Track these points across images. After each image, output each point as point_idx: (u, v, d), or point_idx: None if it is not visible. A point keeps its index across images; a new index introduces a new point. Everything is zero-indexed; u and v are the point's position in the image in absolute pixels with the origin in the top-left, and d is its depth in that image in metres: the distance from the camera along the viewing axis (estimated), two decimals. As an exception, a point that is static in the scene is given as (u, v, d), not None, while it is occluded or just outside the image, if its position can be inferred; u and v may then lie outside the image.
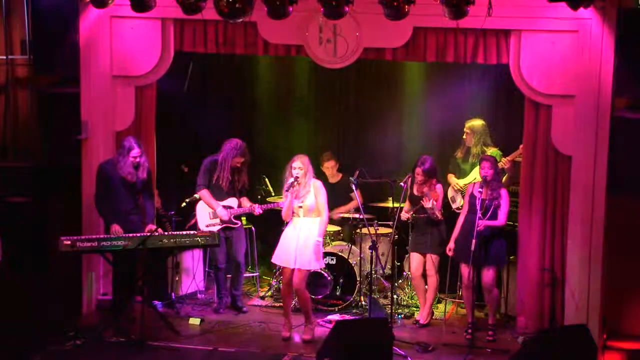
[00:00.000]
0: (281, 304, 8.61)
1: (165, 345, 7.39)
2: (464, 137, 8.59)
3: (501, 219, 7.66)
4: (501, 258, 7.81)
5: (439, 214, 7.94)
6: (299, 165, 7.49)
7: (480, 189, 7.64)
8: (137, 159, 7.72)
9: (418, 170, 7.95)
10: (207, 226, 8.27)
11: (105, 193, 7.79)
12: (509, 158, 8.31)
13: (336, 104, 9.98)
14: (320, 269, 8.10)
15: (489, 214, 7.63)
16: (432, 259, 8.06)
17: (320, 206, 7.55)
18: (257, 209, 8.29)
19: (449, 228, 8.09)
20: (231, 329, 8.00)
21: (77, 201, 8.19)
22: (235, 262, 8.45)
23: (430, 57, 7.91)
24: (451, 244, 7.86)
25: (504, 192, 7.72)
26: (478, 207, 7.50)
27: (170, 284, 8.72)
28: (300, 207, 7.51)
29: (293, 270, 7.55)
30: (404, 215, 8.15)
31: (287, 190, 7.51)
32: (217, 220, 8.32)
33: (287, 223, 7.71)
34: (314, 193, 7.52)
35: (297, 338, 7.71)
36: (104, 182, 7.79)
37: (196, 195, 8.35)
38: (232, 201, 8.34)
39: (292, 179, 7.47)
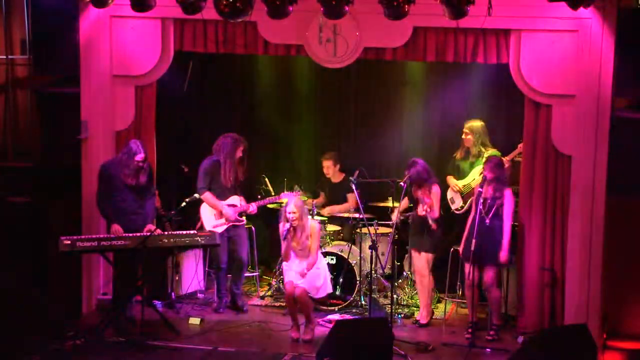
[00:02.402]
0: (281, 303, 8.64)
1: (165, 345, 7.39)
2: (463, 137, 8.58)
3: (506, 220, 7.65)
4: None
5: (432, 224, 7.90)
6: (293, 209, 7.52)
7: (480, 188, 7.63)
8: (141, 164, 7.72)
9: (406, 172, 7.94)
10: (213, 227, 8.27)
11: (106, 193, 7.79)
12: (507, 158, 8.30)
13: (336, 103, 9.98)
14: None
15: (491, 213, 7.62)
16: (426, 258, 8.05)
17: (312, 248, 7.60)
18: (252, 207, 8.32)
19: (448, 228, 8.09)
20: (231, 328, 7.99)
21: (77, 201, 8.19)
22: (237, 261, 8.46)
23: (430, 57, 7.91)
24: (462, 245, 7.85)
25: (507, 192, 7.70)
26: (480, 206, 7.50)
27: (170, 284, 8.72)
28: (302, 250, 7.59)
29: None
30: (394, 218, 8.16)
31: (284, 239, 7.58)
32: (223, 221, 8.33)
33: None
34: (309, 234, 7.57)
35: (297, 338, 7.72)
36: (105, 182, 7.79)
37: (196, 195, 8.34)
38: (235, 199, 8.35)
39: (288, 225, 7.52)
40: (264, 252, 9.70)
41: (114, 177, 7.76)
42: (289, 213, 7.52)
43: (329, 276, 7.86)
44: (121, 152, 7.84)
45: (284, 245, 7.64)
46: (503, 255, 7.62)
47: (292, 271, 7.67)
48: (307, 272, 7.56)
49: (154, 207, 8.12)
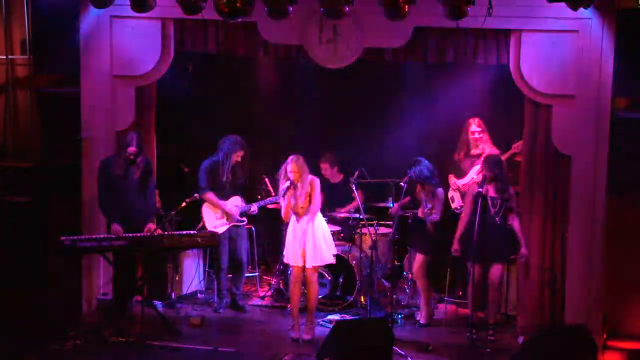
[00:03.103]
0: (281, 303, 8.63)
1: (165, 345, 7.38)
2: (472, 135, 8.52)
3: (515, 217, 7.67)
4: (508, 255, 7.80)
5: (430, 226, 7.90)
6: (293, 168, 7.47)
7: (480, 188, 7.63)
8: (132, 157, 7.74)
9: (408, 171, 7.94)
10: (215, 227, 8.27)
11: (106, 190, 7.81)
12: (502, 158, 8.28)
13: (336, 103, 9.98)
14: (334, 255, 8.05)
15: (502, 213, 7.62)
16: (421, 260, 8.04)
17: (312, 199, 7.51)
18: (253, 207, 8.33)
19: (448, 229, 8.09)
20: (231, 328, 7.99)
21: (77, 201, 8.19)
22: (237, 261, 8.47)
23: (430, 57, 7.91)
24: (456, 245, 7.84)
25: (512, 191, 7.71)
26: (480, 206, 7.50)
27: (170, 284, 8.72)
28: (302, 207, 7.52)
29: (302, 268, 7.59)
30: (394, 210, 8.15)
31: (283, 196, 7.53)
32: (225, 221, 8.33)
33: (287, 223, 7.72)
34: (309, 190, 7.51)
35: (297, 338, 7.71)
36: (105, 177, 7.82)
37: (196, 195, 8.35)
38: (236, 199, 8.36)
39: (287, 183, 7.47)
40: (264, 252, 9.70)
41: (112, 173, 7.80)
42: (290, 172, 7.48)
43: (331, 239, 7.75)
44: (118, 145, 7.89)
45: (282, 202, 7.58)
46: (524, 250, 7.65)
47: (294, 242, 7.58)
48: (313, 235, 7.48)
49: (155, 205, 8.12)
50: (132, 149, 7.72)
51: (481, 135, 8.48)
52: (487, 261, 7.69)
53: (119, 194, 7.82)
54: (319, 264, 7.62)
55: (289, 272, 8.07)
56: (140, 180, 7.87)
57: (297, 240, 7.57)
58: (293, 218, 7.61)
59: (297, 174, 7.46)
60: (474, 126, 8.49)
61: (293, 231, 7.62)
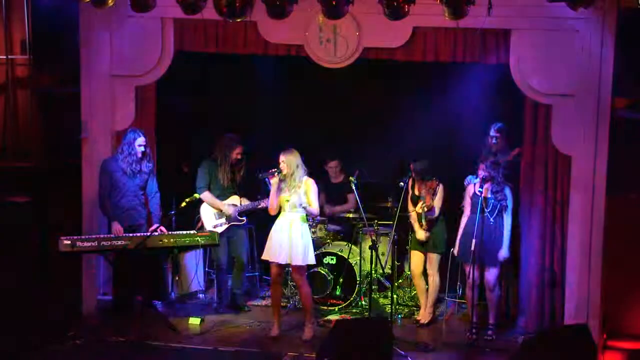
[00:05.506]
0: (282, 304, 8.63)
1: (165, 345, 7.39)
2: (489, 140, 8.41)
3: (507, 218, 7.67)
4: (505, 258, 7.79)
5: (426, 224, 7.89)
6: (283, 158, 7.52)
7: (480, 189, 7.63)
8: (144, 147, 7.76)
9: (411, 166, 7.94)
10: (214, 227, 8.28)
11: (107, 190, 7.82)
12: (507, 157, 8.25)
13: (336, 104, 9.97)
14: (315, 265, 8.04)
15: (495, 213, 7.62)
16: (433, 258, 8.05)
17: (310, 201, 7.52)
18: (263, 203, 8.33)
19: (449, 227, 8.09)
20: (231, 329, 8.00)
21: (77, 201, 8.20)
22: (238, 261, 8.47)
23: (429, 57, 7.91)
24: (457, 245, 7.85)
25: (508, 191, 7.71)
26: (479, 206, 7.51)
27: (170, 284, 8.72)
28: (287, 201, 7.52)
29: (280, 266, 7.59)
30: (412, 216, 8.14)
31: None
32: (223, 220, 8.34)
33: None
34: (305, 189, 7.51)
35: (297, 337, 7.71)
36: (106, 178, 7.83)
37: (196, 195, 8.36)
38: (235, 199, 8.37)
39: (273, 170, 7.49)
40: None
41: (114, 172, 7.81)
42: (279, 161, 7.54)
43: (311, 245, 7.67)
44: (120, 145, 7.89)
45: (271, 195, 7.59)
46: (501, 253, 7.63)
47: (278, 238, 7.55)
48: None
49: (159, 205, 8.12)
50: (143, 140, 7.77)
51: (498, 141, 8.35)
52: (484, 262, 7.68)
53: (122, 194, 7.84)
54: (300, 264, 7.56)
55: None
56: (143, 181, 7.89)
57: (281, 237, 7.54)
58: (281, 214, 7.60)
59: (286, 165, 7.48)
60: (493, 131, 8.33)
61: (278, 227, 7.60)
